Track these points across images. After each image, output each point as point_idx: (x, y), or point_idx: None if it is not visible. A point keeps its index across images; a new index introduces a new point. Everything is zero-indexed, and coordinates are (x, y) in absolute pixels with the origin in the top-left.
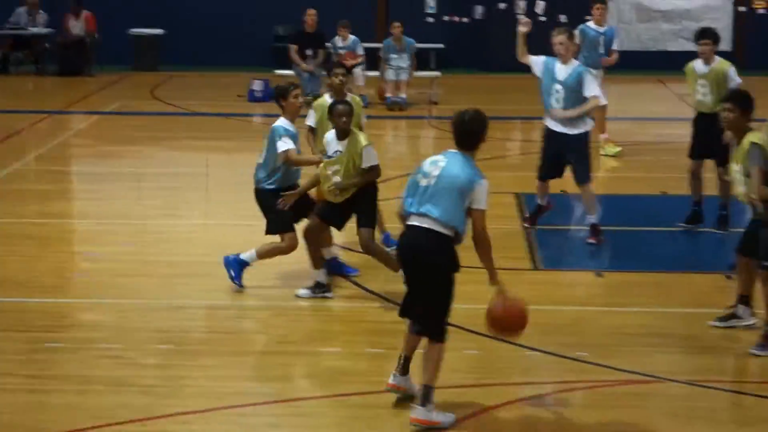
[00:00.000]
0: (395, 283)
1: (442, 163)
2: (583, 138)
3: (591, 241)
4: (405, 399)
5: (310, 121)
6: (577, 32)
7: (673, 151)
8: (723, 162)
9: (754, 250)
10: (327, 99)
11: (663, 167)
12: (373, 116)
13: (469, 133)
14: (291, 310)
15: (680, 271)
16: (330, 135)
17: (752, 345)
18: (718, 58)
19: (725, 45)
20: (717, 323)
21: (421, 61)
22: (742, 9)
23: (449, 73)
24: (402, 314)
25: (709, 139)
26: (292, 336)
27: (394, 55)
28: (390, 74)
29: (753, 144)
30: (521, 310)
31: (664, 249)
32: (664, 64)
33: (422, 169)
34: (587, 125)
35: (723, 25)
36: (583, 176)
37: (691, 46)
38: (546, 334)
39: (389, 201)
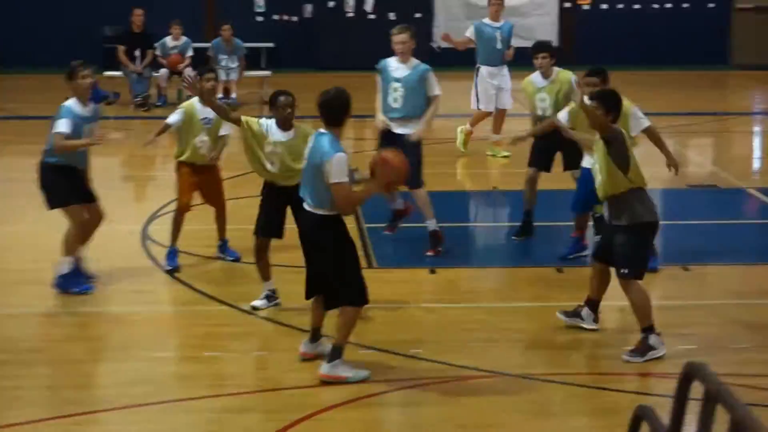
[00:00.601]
0: (236, 286)
1: (311, 144)
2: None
3: (429, 254)
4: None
5: (172, 119)
6: (472, 29)
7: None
8: (573, 165)
9: (610, 256)
10: (195, 102)
11: (496, 163)
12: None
13: (335, 109)
14: (126, 316)
15: (517, 266)
16: (272, 126)
17: (625, 351)
18: (556, 69)
19: (552, 41)
20: (561, 315)
21: (251, 60)
22: (567, 5)
23: (280, 72)
24: (309, 295)
25: (551, 149)
26: (128, 342)
27: (223, 56)
28: (219, 75)
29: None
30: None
31: (499, 245)
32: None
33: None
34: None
35: (550, 21)
36: (414, 181)
37: (519, 42)
38: (380, 332)
39: (237, 200)
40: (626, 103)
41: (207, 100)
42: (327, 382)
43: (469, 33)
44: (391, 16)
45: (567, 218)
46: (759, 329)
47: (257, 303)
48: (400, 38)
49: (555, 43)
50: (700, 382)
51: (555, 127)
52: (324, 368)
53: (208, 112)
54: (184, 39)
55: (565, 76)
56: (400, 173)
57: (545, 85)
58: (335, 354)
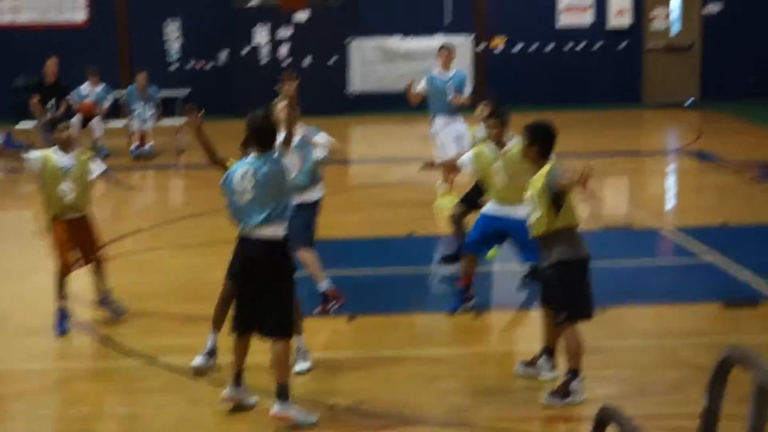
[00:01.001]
0: (154, 338)
1: (251, 172)
2: (313, 203)
3: (317, 311)
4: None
5: (30, 156)
6: (423, 82)
7: (421, 191)
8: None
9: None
10: (53, 152)
11: (411, 207)
12: (120, 167)
13: (266, 131)
14: (33, 373)
15: (432, 312)
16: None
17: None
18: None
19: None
20: (519, 368)
21: (167, 108)
22: (481, 48)
23: None
24: (244, 330)
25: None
26: (41, 400)
27: (138, 104)
28: (135, 123)
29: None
30: None
31: (416, 290)
32: (408, 104)
33: (234, 189)
34: (316, 192)
35: (464, 63)
36: (300, 241)
37: None
38: (302, 383)
39: (143, 253)
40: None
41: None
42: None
43: (420, 88)
44: (306, 61)
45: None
46: (676, 369)
47: (198, 362)
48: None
49: (469, 86)
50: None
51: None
52: (276, 408)
53: (67, 161)
54: (101, 86)
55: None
56: None
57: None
58: (283, 393)
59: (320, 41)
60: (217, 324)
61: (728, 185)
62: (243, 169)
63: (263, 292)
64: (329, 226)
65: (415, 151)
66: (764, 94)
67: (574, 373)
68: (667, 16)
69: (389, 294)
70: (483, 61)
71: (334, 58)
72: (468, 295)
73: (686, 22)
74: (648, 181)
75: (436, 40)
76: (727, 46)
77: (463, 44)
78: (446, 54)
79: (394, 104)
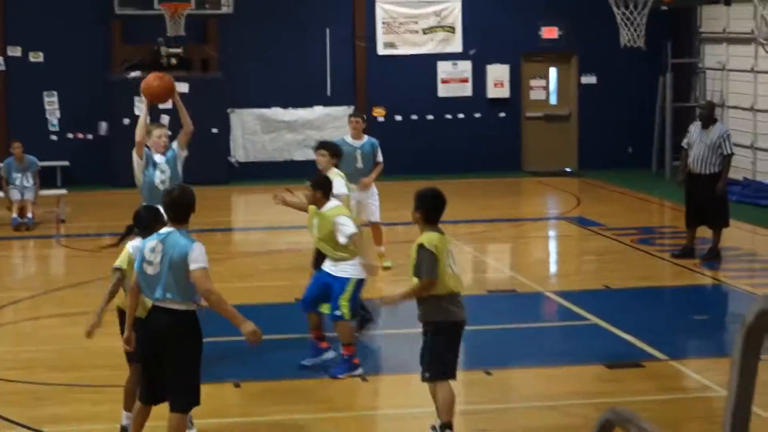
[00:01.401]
0: (38, 408)
1: (159, 246)
2: None
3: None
4: None
5: None
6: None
7: (306, 256)
8: None
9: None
10: None
11: (297, 273)
12: (0, 238)
13: (182, 206)
14: None
15: (313, 378)
16: None
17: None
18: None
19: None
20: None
21: (46, 178)
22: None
23: (76, 190)
24: (152, 401)
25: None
26: None
27: (17, 175)
28: (14, 194)
29: (420, 245)
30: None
31: (303, 356)
32: (291, 173)
33: (144, 258)
34: None
35: (346, 133)
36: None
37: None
38: None
39: (25, 322)
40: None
41: None
42: None
43: None
44: None
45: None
46: (562, 431)
47: None
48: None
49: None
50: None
51: None
52: None
53: None
54: None
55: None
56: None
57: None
58: None
59: (201, 112)
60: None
61: (609, 250)
62: (151, 243)
63: (168, 364)
64: None
65: (297, 219)
66: (640, 163)
67: (447, 425)
68: (545, 87)
69: (276, 360)
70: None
71: (215, 129)
72: (353, 363)
73: (564, 92)
74: (530, 247)
75: (317, 111)
76: (603, 116)
77: (343, 114)
78: (354, 122)
79: (277, 173)
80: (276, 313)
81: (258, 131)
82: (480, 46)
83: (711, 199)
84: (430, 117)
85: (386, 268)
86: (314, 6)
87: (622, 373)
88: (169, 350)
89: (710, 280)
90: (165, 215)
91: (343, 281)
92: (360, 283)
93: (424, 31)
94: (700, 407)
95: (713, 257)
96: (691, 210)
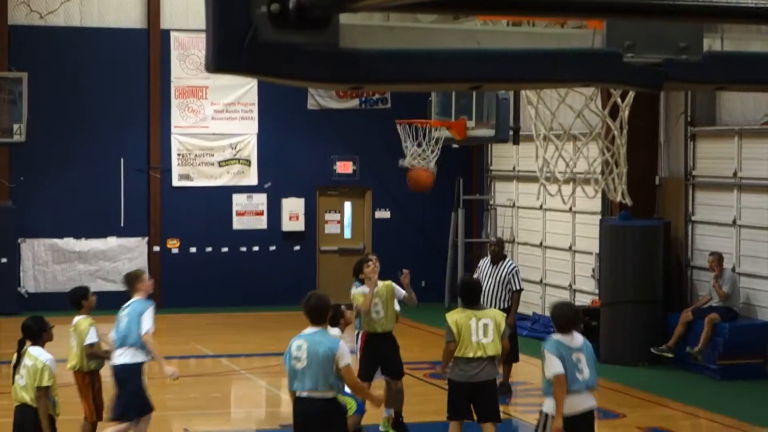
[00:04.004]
0: None
1: (305, 345)
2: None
3: None
4: None
5: None
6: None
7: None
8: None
9: None
10: None
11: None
12: None
13: (319, 309)
14: None
15: None
16: None
17: None
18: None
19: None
20: None
21: None
22: (156, 249)
23: None
24: None
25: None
26: None
27: None
28: None
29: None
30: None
31: None
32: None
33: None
34: (138, 356)
35: (139, 264)
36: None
37: (108, 286)
38: None
39: None
40: None
41: None
42: None
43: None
44: None
45: None
46: None
47: None
48: None
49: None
50: None
51: None
52: None
53: None
54: None
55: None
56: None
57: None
58: None
59: None
60: None
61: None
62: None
63: None
64: None
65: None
66: (433, 296)
67: None
68: (340, 221)
69: None
70: (158, 262)
71: (5, 258)
72: None
73: (358, 226)
74: None
75: (110, 242)
76: (397, 251)
77: (137, 245)
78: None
79: (68, 304)
80: None
81: (49, 261)
82: (275, 179)
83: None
84: (225, 249)
85: None
86: (109, 135)
87: None
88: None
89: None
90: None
91: None
92: None
93: (220, 164)
94: None
95: (504, 392)
96: None
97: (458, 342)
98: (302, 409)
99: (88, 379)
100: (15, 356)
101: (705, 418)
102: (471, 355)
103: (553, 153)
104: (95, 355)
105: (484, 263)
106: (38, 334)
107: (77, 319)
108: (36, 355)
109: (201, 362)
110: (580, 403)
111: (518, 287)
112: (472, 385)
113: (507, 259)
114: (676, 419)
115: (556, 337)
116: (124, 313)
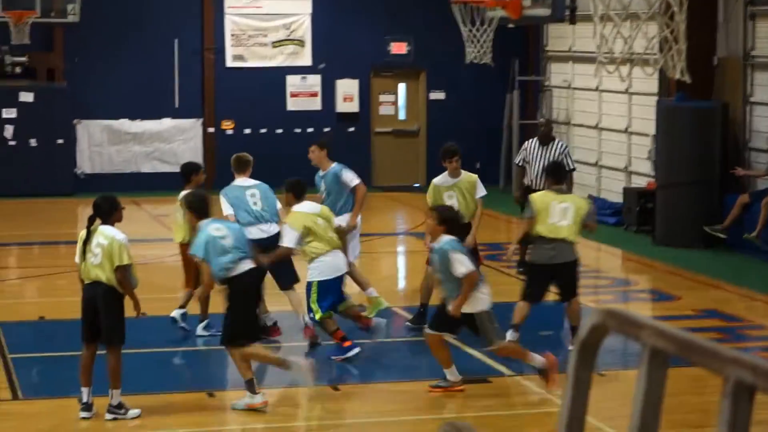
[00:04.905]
0: None
1: None
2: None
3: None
4: None
5: None
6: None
7: (165, 271)
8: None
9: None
10: None
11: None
12: None
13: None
14: None
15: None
16: None
17: None
18: (464, 172)
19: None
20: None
21: None
22: (211, 130)
23: None
24: None
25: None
26: None
27: None
28: None
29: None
30: None
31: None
32: (138, 186)
33: None
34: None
35: (194, 146)
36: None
37: (163, 167)
38: None
39: None
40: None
41: None
42: None
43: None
44: (32, 142)
45: None
46: None
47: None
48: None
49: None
50: None
51: None
52: None
53: None
54: None
55: (470, 177)
56: None
57: (453, 183)
58: None
59: (46, 122)
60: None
61: None
62: None
63: None
64: (59, 308)
65: (147, 233)
66: (488, 178)
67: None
68: (394, 102)
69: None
70: (213, 143)
71: (61, 139)
72: (344, 346)
73: (413, 108)
74: (379, 262)
75: (165, 123)
76: (451, 132)
77: (192, 126)
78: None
79: (124, 185)
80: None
81: (105, 143)
82: (329, 60)
83: None
84: (279, 130)
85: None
86: (162, 17)
87: (469, 389)
88: None
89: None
90: None
91: (308, 285)
92: (323, 284)
93: (274, 45)
94: (543, 421)
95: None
96: None
97: (537, 221)
98: None
99: (185, 249)
100: (83, 233)
101: (761, 301)
102: (547, 235)
103: (611, 31)
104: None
105: (531, 145)
106: (109, 212)
107: (184, 193)
108: (111, 234)
109: None
110: None
111: (572, 167)
112: (551, 266)
113: (557, 140)
114: (732, 301)
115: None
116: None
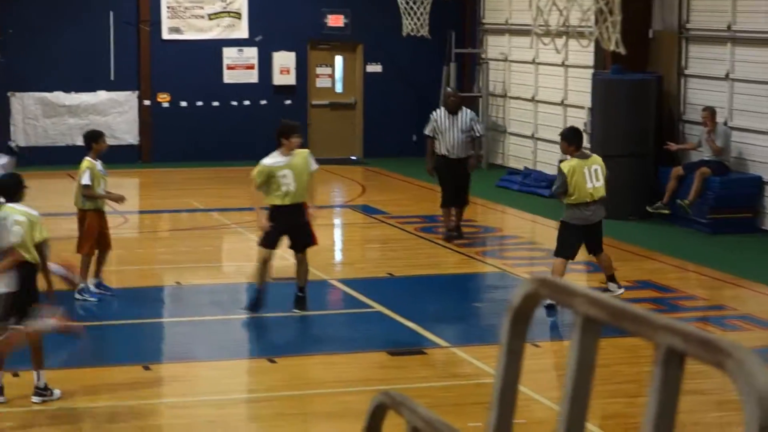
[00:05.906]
0: None
1: None
2: None
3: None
4: None
5: None
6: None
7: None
8: None
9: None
10: None
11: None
12: None
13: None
14: None
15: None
16: None
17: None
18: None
19: (132, 139)
20: None
21: None
22: (147, 103)
23: None
24: None
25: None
26: None
27: None
28: None
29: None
30: None
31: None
32: (73, 159)
33: None
34: None
35: (130, 118)
36: None
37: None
38: None
39: None
40: None
41: None
42: None
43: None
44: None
45: None
46: (343, 418)
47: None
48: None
49: (135, 141)
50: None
51: None
52: None
53: None
54: None
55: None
56: None
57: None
58: None
59: None
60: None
61: (392, 238)
62: None
63: None
64: None
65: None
66: (424, 151)
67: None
68: (331, 75)
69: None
70: (149, 116)
71: None
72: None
73: (350, 80)
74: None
75: (101, 96)
76: (388, 105)
77: (127, 99)
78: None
79: (59, 158)
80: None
81: (39, 115)
82: (266, 32)
83: (466, 181)
84: (216, 103)
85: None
86: None
87: (404, 360)
88: None
89: (491, 268)
90: None
91: None
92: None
93: (210, 17)
94: (478, 392)
95: (454, 237)
96: (450, 192)
97: (571, 190)
98: None
99: (80, 216)
100: None
101: (694, 271)
102: (588, 200)
103: (547, 3)
104: (90, 196)
105: (439, 114)
106: (15, 191)
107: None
108: (26, 210)
109: (192, 216)
110: None
111: (481, 133)
112: (587, 227)
113: (464, 109)
114: (666, 272)
115: None
116: None
